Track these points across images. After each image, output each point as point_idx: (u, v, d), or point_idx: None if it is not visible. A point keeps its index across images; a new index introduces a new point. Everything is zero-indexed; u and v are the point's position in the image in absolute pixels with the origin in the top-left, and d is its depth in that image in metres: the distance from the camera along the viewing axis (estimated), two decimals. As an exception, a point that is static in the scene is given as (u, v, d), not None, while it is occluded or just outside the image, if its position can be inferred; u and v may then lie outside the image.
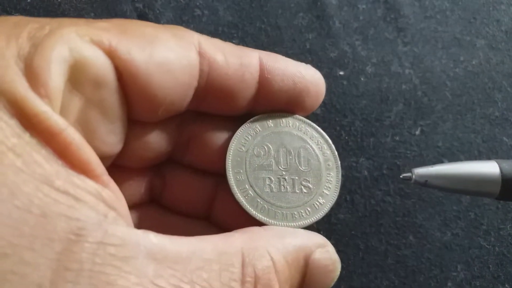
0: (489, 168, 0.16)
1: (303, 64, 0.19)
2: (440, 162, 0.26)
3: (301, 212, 0.18)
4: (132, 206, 0.19)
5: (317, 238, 0.17)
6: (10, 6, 0.26)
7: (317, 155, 0.19)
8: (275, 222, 0.17)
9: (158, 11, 0.27)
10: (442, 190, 0.17)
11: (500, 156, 0.26)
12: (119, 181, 0.19)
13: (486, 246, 0.25)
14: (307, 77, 0.18)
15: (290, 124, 0.19)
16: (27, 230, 0.11)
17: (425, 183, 0.16)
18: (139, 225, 0.14)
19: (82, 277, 0.11)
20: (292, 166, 0.18)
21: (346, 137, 0.26)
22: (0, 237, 0.11)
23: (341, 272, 0.24)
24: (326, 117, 0.26)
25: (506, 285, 0.24)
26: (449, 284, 0.24)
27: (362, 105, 0.26)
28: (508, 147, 0.26)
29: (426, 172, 0.17)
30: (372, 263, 0.24)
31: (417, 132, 0.26)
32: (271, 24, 0.27)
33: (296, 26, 0.27)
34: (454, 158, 0.26)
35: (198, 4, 0.27)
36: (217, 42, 0.18)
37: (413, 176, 0.17)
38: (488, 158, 0.26)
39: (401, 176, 0.17)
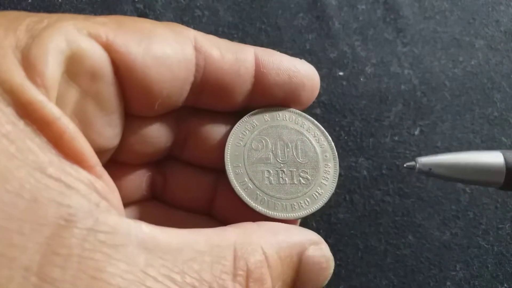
0: (494, 157, 0.16)
1: (298, 59, 0.19)
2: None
3: (300, 203, 0.18)
4: (134, 203, 0.19)
5: (311, 235, 0.17)
6: (11, 6, 0.27)
7: (314, 147, 0.19)
8: (275, 213, 0.18)
9: (158, 12, 0.27)
10: (445, 179, 0.17)
11: (499, 156, 0.26)
12: (120, 178, 0.19)
13: (485, 245, 0.25)
14: (302, 72, 0.19)
15: (287, 118, 0.19)
16: (16, 214, 0.11)
17: (429, 172, 0.17)
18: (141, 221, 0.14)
19: (70, 262, 0.11)
20: (290, 158, 0.19)
21: (346, 137, 0.26)
22: None
23: (340, 272, 0.24)
24: (325, 117, 0.26)
25: (505, 285, 0.25)
26: (448, 283, 0.24)
27: (362, 106, 0.26)
28: (507, 147, 0.26)
29: (429, 160, 0.17)
30: (371, 263, 0.25)
31: (416, 132, 0.26)
32: (271, 24, 0.27)
33: (296, 26, 0.27)
34: (453, 158, 0.26)
35: (198, 4, 0.27)
36: (212, 38, 0.18)
37: (417, 165, 0.17)
38: (487, 158, 0.26)
39: (404, 165, 0.17)
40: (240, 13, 0.27)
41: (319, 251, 0.16)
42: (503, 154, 0.16)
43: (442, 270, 0.25)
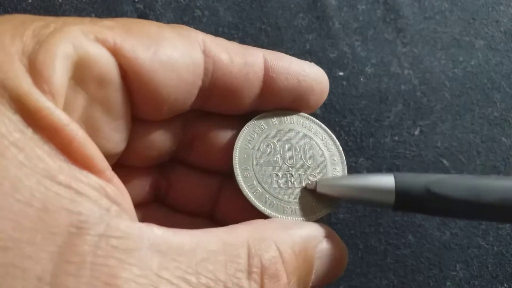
0: (386, 180, 0.16)
1: (307, 62, 0.19)
2: (440, 162, 0.26)
3: (309, 207, 0.18)
4: (137, 206, 0.19)
5: (323, 228, 0.17)
6: (11, 6, 0.27)
7: (322, 151, 0.19)
8: (284, 217, 0.18)
9: (158, 12, 0.27)
10: (344, 199, 0.18)
11: (498, 157, 0.26)
12: (124, 181, 0.19)
13: (485, 245, 0.25)
14: (311, 75, 0.18)
15: (294, 121, 0.19)
16: (28, 224, 0.11)
17: (328, 193, 0.17)
18: None
19: (84, 270, 0.11)
20: (298, 162, 0.19)
21: (346, 138, 0.26)
22: (1, 231, 0.11)
23: (340, 272, 0.24)
24: (325, 117, 0.26)
25: (505, 285, 0.25)
26: (448, 283, 0.24)
27: (362, 106, 0.26)
28: (506, 147, 0.26)
29: (327, 182, 0.18)
30: (372, 263, 0.25)
31: (416, 133, 0.26)
32: (271, 24, 0.27)
33: (296, 26, 0.27)
34: (453, 158, 0.26)
35: (198, 4, 0.27)
36: (221, 41, 0.18)
37: (317, 187, 0.18)
38: (487, 158, 0.26)
39: (304, 185, 0.18)
40: (240, 13, 0.27)
41: (333, 243, 0.16)
42: (395, 177, 0.16)
43: (442, 270, 0.25)
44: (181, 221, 0.20)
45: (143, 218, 0.19)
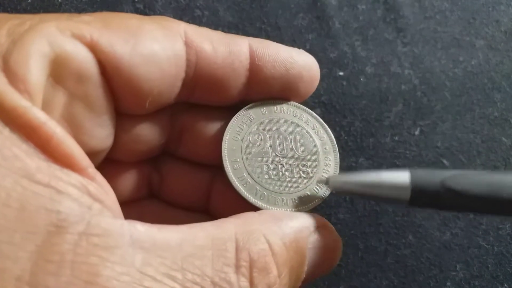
0: (401, 176, 0.16)
1: (295, 49, 0.18)
2: (440, 162, 0.26)
3: (301, 197, 0.18)
4: (133, 201, 0.19)
5: (316, 218, 0.16)
6: (11, 6, 0.27)
7: (313, 140, 0.19)
8: (275, 208, 0.17)
9: (158, 12, 0.27)
10: (356, 195, 0.17)
11: (499, 156, 0.26)
12: (116, 176, 0.19)
13: (485, 245, 0.25)
14: (299, 63, 0.18)
15: (285, 111, 0.19)
16: (5, 224, 0.11)
17: (340, 189, 0.17)
18: (140, 220, 0.14)
19: (64, 268, 0.11)
20: (289, 152, 0.18)
21: (346, 137, 0.26)
22: None
23: (340, 272, 0.24)
24: (325, 117, 0.26)
25: (505, 285, 0.24)
26: (448, 283, 0.24)
27: (362, 106, 0.26)
28: (507, 147, 0.26)
29: (340, 178, 0.17)
30: (372, 263, 0.25)
31: (417, 132, 0.26)
32: (271, 24, 0.27)
33: (296, 26, 0.27)
34: (453, 158, 0.26)
35: (198, 4, 0.27)
36: (204, 31, 0.17)
37: (329, 182, 0.17)
38: (487, 158, 0.26)
39: (317, 181, 0.18)
40: (240, 13, 0.27)
41: (326, 233, 0.16)
42: (410, 173, 0.16)
43: (443, 271, 0.25)
44: (177, 216, 0.19)
45: (139, 215, 0.19)
